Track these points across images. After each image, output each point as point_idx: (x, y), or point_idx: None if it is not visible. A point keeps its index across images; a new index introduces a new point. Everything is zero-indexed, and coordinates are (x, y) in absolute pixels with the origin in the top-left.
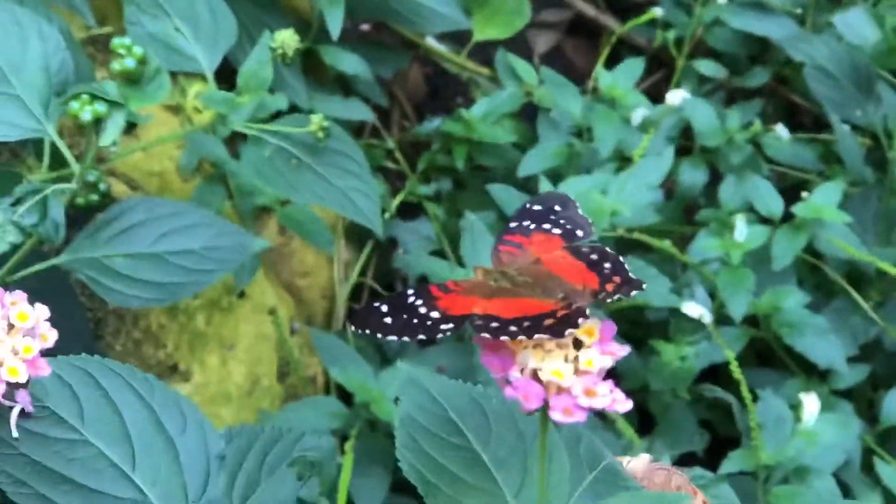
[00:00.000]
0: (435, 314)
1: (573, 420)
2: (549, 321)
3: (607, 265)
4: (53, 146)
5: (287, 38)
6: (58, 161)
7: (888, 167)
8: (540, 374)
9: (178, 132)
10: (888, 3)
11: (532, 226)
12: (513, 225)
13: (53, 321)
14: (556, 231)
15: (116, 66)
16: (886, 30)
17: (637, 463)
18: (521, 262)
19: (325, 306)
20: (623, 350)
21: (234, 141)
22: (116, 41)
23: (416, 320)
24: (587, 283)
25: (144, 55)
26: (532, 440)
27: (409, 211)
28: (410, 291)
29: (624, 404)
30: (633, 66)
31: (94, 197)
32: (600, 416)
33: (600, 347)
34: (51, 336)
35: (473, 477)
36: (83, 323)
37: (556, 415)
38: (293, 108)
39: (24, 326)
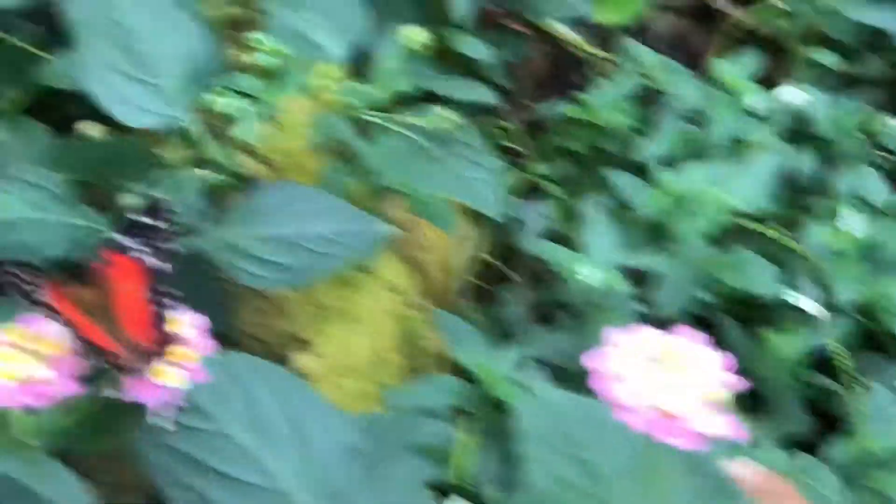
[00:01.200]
0: None
1: (688, 446)
2: None
3: None
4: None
5: (415, 35)
6: (195, 146)
7: None
8: (648, 399)
9: (310, 116)
10: None
11: None
12: None
13: (192, 296)
14: None
15: (251, 59)
16: None
17: (741, 469)
18: None
19: (445, 284)
20: (738, 384)
21: (366, 125)
22: (251, 36)
23: None
24: None
25: (278, 49)
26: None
27: (530, 191)
28: None
29: (739, 433)
30: (751, 56)
31: (230, 180)
32: None
33: (719, 378)
34: (209, 346)
35: (594, 486)
36: (220, 296)
37: (672, 439)
38: (418, 92)
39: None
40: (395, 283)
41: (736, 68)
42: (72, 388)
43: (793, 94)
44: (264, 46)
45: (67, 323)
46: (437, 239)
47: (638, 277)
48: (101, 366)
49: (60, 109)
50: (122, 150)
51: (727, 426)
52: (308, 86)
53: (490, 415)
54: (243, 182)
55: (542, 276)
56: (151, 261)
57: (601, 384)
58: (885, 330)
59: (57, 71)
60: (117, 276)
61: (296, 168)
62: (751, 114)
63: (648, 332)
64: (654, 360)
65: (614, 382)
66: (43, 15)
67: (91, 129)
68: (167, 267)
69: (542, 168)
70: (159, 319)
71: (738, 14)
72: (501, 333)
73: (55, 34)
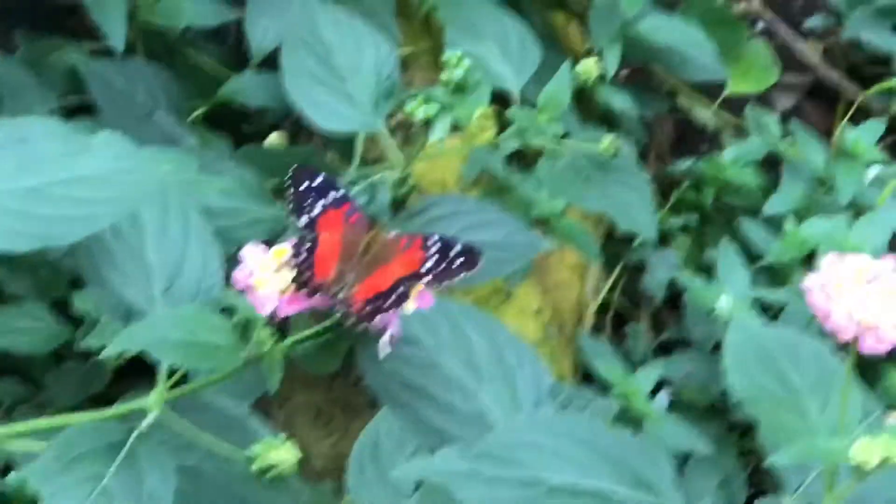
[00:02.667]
0: None
1: (878, 349)
2: None
3: None
4: (370, 143)
5: (591, 66)
6: (364, 160)
7: None
8: (854, 312)
9: (462, 147)
10: None
11: None
12: None
13: None
14: None
15: (445, 75)
16: None
17: None
18: None
19: (574, 318)
20: None
21: (514, 159)
22: (448, 54)
23: None
24: None
25: (470, 68)
26: (835, 374)
27: (659, 240)
28: None
29: None
30: (875, 126)
31: (406, 190)
32: None
33: None
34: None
35: (789, 399)
36: None
37: (867, 345)
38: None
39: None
40: (539, 309)
41: (862, 136)
42: (322, 303)
43: None
44: (461, 64)
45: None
46: (571, 280)
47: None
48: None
49: (233, 122)
50: (306, 155)
51: None
52: (465, 122)
53: (622, 417)
54: (414, 195)
55: (662, 317)
56: None
57: (815, 301)
58: None
59: (236, 88)
60: (330, 224)
61: None
62: (872, 179)
63: (859, 261)
64: (863, 282)
65: (828, 299)
66: (224, 35)
67: (276, 138)
68: None
69: (673, 220)
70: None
71: (858, 94)
72: (627, 361)
73: (236, 54)
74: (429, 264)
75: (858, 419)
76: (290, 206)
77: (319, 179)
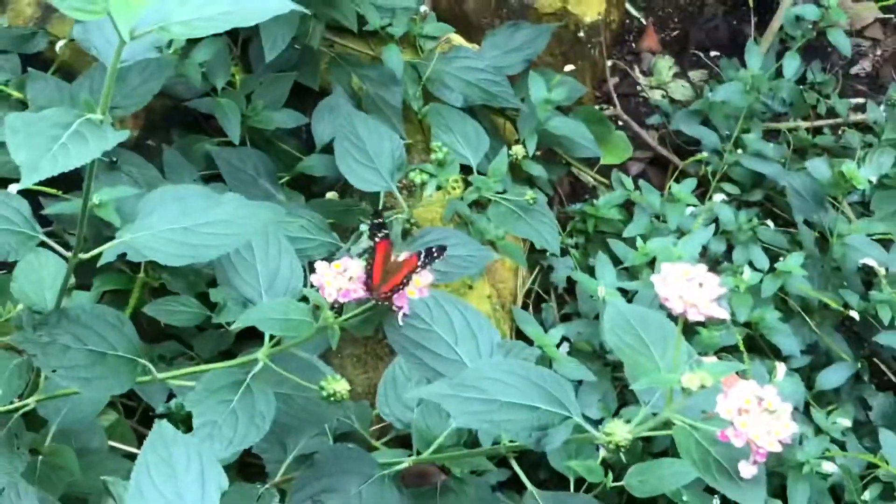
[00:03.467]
0: None
1: (699, 319)
2: None
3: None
4: (388, 197)
5: (519, 151)
6: (384, 207)
7: (828, 248)
8: (682, 296)
9: (443, 198)
10: (837, 160)
11: None
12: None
13: None
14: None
15: (433, 155)
16: (835, 172)
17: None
18: None
19: (511, 300)
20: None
21: (473, 205)
22: (434, 143)
23: None
24: None
25: (448, 152)
26: (670, 333)
27: (561, 253)
28: None
29: (722, 314)
30: (690, 183)
31: (410, 225)
32: None
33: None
34: (429, 278)
35: (642, 349)
36: None
37: (690, 315)
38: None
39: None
40: (490, 295)
41: (682, 188)
42: (364, 296)
43: (717, 200)
44: (442, 150)
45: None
46: (508, 277)
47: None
48: (377, 292)
49: (306, 185)
50: (350, 206)
51: (720, 311)
52: (444, 184)
53: (541, 359)
54: (415, 229)
55: (563, 298)
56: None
57: (659, 288)
58: (762, 336)
59: (307, 165)
60: (379, 248)
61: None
62: (689, 214)
63: (684, 266)
64: (686, 278)
65: (665, 287)
66: (299, 132)
67: (331, 195)
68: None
69: (567, 240)
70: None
71: (680, 163)
72: (543, 326)
73: (307, 144)
74: (421, 260)
75: (685, 361)
76: (369, 232)
77: (380, 222)
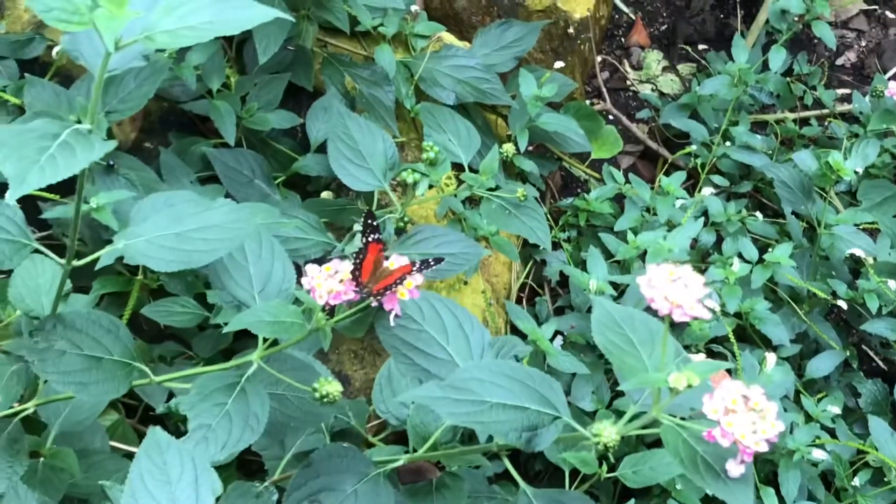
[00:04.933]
0: None
1: (686, 319)
2: None
3: None
4: (382, 195)
5: (510, 149)
6: (378, 205)
7: (815, 239)
8: (667, 297)
9: (436, 195)
10: (824, 151)
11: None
12: None
13: None
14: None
15: (425, 154)
16: (821, 163)
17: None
18: None
19: (505, 294)
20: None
21: (467, 202)
22: (426, 143)
23: None
24: None
25: (439, 151)
26: (657, 333)
27: (553, 247)
28: None
29: (706, 314)
30: (679, 175)
31: (402, 224)
32: None
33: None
34: (419, 280)
35: (630, 348)
36: None
37: (676, 316)
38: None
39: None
40: (484, 290)
41: (672, 181)
42: (354, 298)
43: (706, 193)
44: (433, 150)
45: (359, 266)
46: (502, 271)
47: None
48: (365, 288)
49: (301, 185)
50: (345, 205)
51: (704, 312)
52: (437, 183)
53: (534, 353)
54: (407, 226)
55: (557, 291)
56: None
57: (644, 290)
58: (752, 326)
59: (302, 164)
60: (371, 249)
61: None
62: (679, 207)
63: (669, 266)
64: (671, 280)
65: (651, 289)
66: (294, 132)
67: (326, 194)
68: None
69: (560, 234)
70: (385, 267)
71: (669, 156)
72: (537, 320)
73: (301, 144)
74: (416, 266)
75: (672, 360)
76: (361, 231)
77: (375, 222)
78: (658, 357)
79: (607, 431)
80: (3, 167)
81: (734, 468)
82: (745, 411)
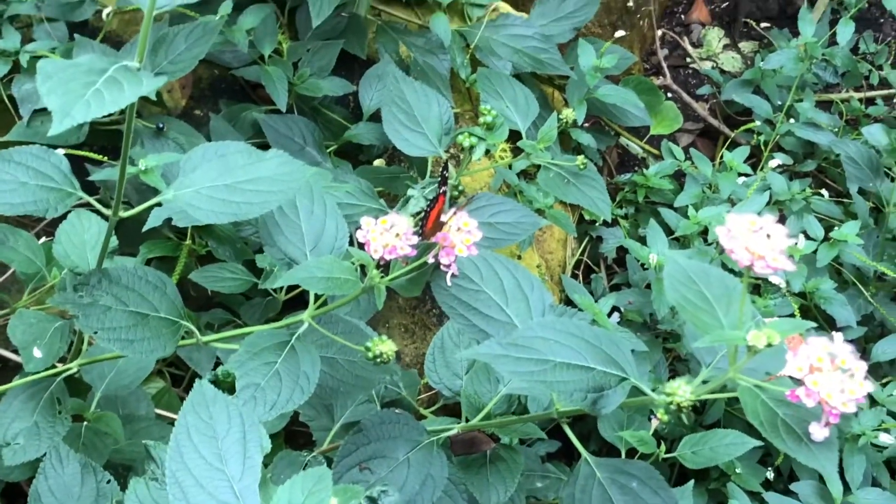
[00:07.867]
0: None
1: (768, 273)
2: None
3: None
4: (435, 166)
5: (570, 115)
6: (431, 176)
7: (883, 219)
8: (749, 248)
9: (490, 167)
10: (891, 130)
11: None
12: None
13: None
14: None
15: (482, 119)
16: (892, 138)
17: None
18: None
19: (559, 270)
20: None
21: (522, 175)
22: (484, 106)
23: None
24: None
25: (497, 115)
26: (734, 289)
27: (610, 223)
28: None
29: (791, 266)
30: (741, 151)
31: (456, 194)
32: None
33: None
34: (478, 235)
35: (705, 305)
36: None
37: (757, 268)
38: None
39: (468, 229)
40: (539, 264)
41: (734, 157)
42: (410, 252)
43: (770, 171)
44: (491, 113)
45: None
46: (557, 248)
47: None
48: (425, 243)
49: (353, 153)
50: (397, 173)
51: (789, 264)
52: (493, 148)
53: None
54: (462, 195)
55: (613, 269)
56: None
57: (723, 240)
58: (816, 307)
59: (355, 132)
60: (441, 201)
61: None
62: (741, 184)
63: (750, 216)
64: (753, 230)
65: (731, 239)
66: (346, 99)
67: (378, 163)
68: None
69: (617, 210)
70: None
71: (730, 132)
72: (593, 296)
73: (354, 111)
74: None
75: (750, 318)
76: (439, 180)
77: (447, 173)
78: (735, 315)
79: (682, 390)
80: (48, 100)
81: (818, 431)
82: (831, 370)
